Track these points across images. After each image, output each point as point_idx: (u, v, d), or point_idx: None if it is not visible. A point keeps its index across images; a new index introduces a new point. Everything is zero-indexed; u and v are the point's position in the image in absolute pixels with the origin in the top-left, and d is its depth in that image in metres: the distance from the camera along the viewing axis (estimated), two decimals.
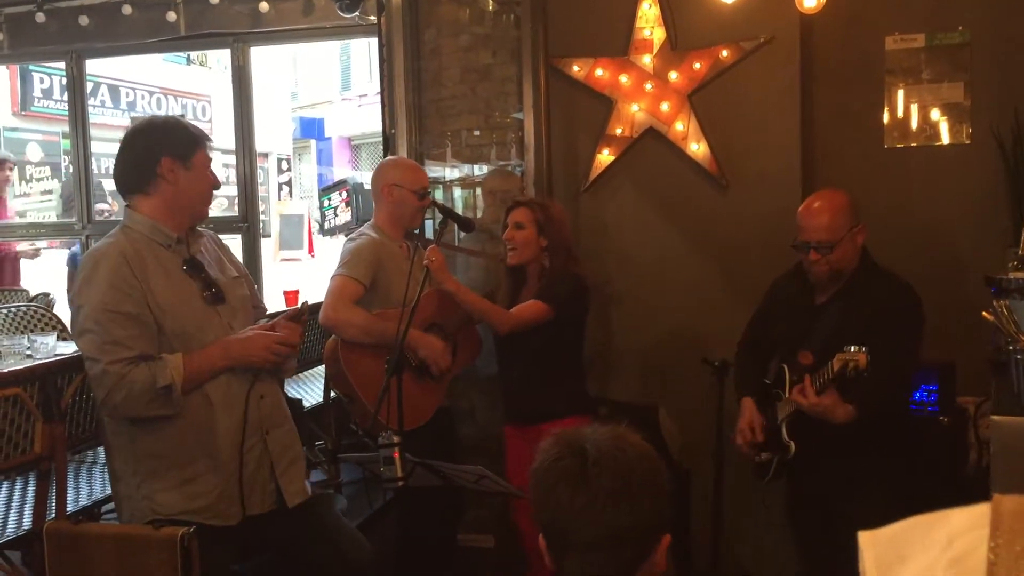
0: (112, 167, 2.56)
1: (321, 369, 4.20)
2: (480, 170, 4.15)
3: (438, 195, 4.11)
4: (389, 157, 3.80)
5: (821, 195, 2.96)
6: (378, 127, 4.32)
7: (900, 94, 3.74)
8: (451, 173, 4.17)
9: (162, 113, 11.64)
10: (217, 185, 2.60)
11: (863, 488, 2.75)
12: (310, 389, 4.41)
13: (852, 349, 2.58)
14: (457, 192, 4.18)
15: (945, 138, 3.71)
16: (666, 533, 1.45)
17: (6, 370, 2.65)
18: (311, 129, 19.76)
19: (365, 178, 4.40)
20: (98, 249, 2.44)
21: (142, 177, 2.47)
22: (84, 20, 4.74)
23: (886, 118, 3.76)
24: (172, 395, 2.33)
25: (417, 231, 3.43)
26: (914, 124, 3.74)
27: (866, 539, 0.56)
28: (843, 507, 2.77)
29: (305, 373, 4.47)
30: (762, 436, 2.96)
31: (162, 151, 2.46)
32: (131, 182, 2.50)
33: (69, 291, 2.58)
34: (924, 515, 0.54)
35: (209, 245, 2.64)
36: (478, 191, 4.16)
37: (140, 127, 2.58)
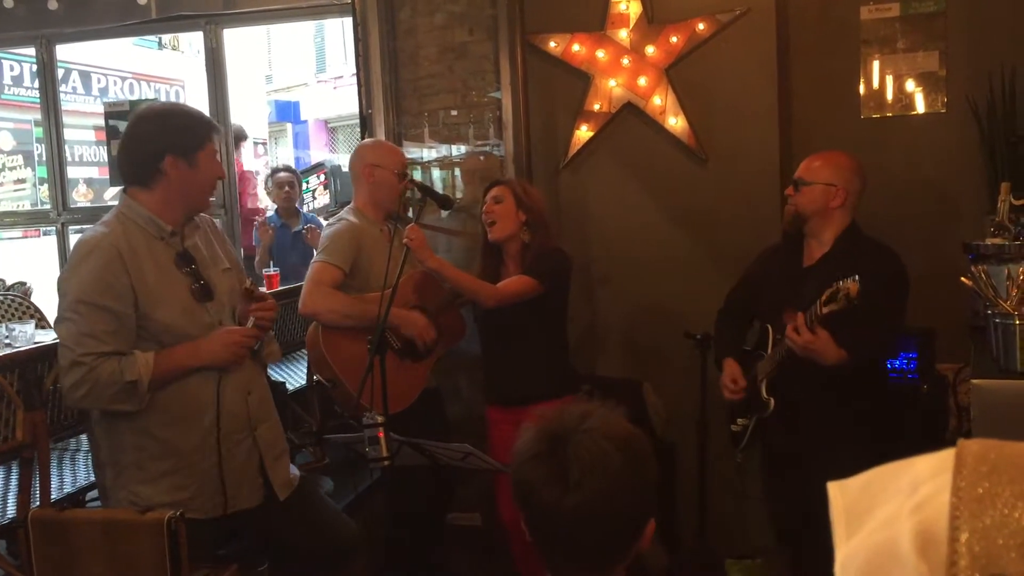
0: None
1: (304, 351, 4.19)
2: (458, 150, 4.13)
3: (416, 175, 4.09)
4: (367, 139, 3.78)
5: (836, 150, 2.96)
6: (354, 110, 4.28)
7: (876, 64, 3.75)
8: (429, 153, 4.15)
9: (135, 99, 11.47)
10: (222, 175, 2.58)
11: (840, 455, 2.75)
12: (293, 372, 4.40)
13: (842, 282, 2.52)
14: (436, 173, 4.16)
15: (921, 107, 3.72)
16: (651, 519, 1.43)
17: None
18: (287, 112, 19.56)
19: (342, 160, 4.37)
20: (92, 237, 2.39)
21: (144, 172, 2.43)
22: (53, 4, 4.67)
23: (862, 88, 3.77)
24: (137, 391, 2.30)
25: (397, 214, 3.41)
26: (890, 94, 3.75)
27: (835, 489, 0.56)
28: (819, 473, 2.77)
29: (288, 356, 4.45)
30: (744, 382, 2.98)
31: (167, 148, 2.40)
32: (132, 174, 2.46)
33: None
34: (891, 463, 0.55)
35: (204, 236, 2.59)
36: (457, 171, 4.14)
37: (145, 118, 2.50)
